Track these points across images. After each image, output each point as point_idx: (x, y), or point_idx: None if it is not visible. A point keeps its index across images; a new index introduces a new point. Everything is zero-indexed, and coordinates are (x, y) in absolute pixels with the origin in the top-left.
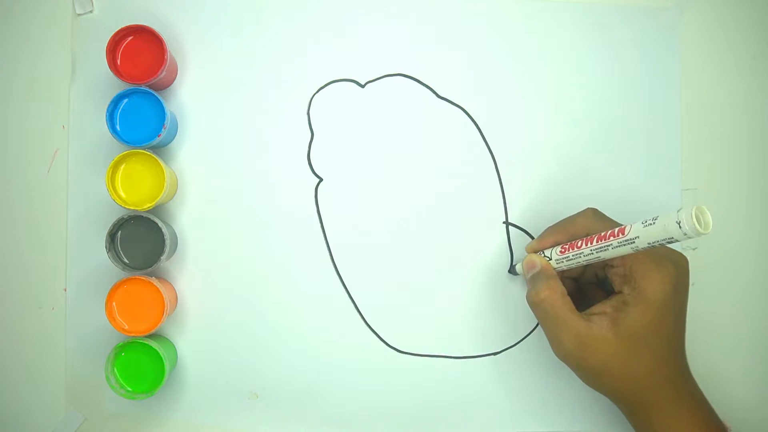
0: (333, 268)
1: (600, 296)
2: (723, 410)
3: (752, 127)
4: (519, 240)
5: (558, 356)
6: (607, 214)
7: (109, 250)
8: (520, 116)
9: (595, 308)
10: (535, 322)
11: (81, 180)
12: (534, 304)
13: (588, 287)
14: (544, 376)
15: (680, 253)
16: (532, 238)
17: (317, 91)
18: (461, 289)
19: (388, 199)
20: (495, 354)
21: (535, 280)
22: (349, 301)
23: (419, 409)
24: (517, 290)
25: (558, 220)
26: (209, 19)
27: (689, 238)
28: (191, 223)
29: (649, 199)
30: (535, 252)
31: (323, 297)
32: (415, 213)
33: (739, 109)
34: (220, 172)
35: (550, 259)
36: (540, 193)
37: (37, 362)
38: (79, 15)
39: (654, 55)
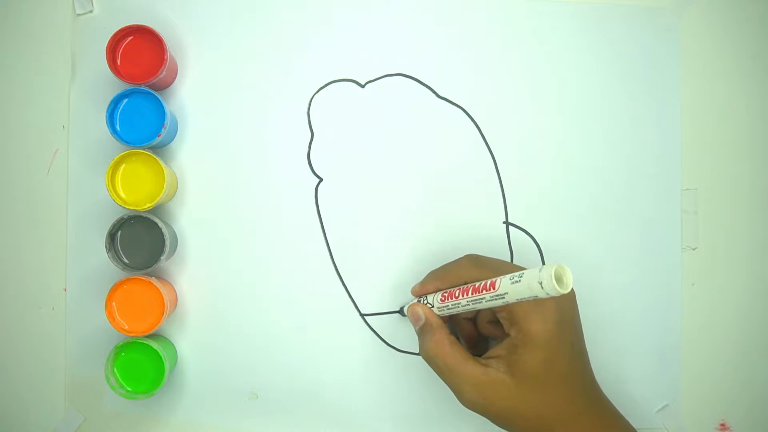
0: (333, 268)
1: (500, 333)
2: (721, 408)
3: (752, 126)
4: (519, 240)
5: (464, 406)
6: (607, 214)
7: (109, 250)
8: (520, 116)
9: (491, 352)
10: None
11: (81, 180)
12: (427, 359)
13: (486, 326)
14: None
15: None
16: (532, 238)
17: (317, 91)
18: None
19: (388, 199)
20: None
21: (422, 334)
22: (349, 301)
23: (419, 409)
24: None
25: (441, 265)
26: (209, 19)
27: (549, 296)
28: (191, 223)
29: (649, 199)
30: (419, 296)
31: (323, 297)
32: (415, 213)
33: (738, 108)
34: (220, 172)
35: (433, 306)
36: (540, 193)
37: (37, 362)
38: (79, 15)
39: (654, 55)
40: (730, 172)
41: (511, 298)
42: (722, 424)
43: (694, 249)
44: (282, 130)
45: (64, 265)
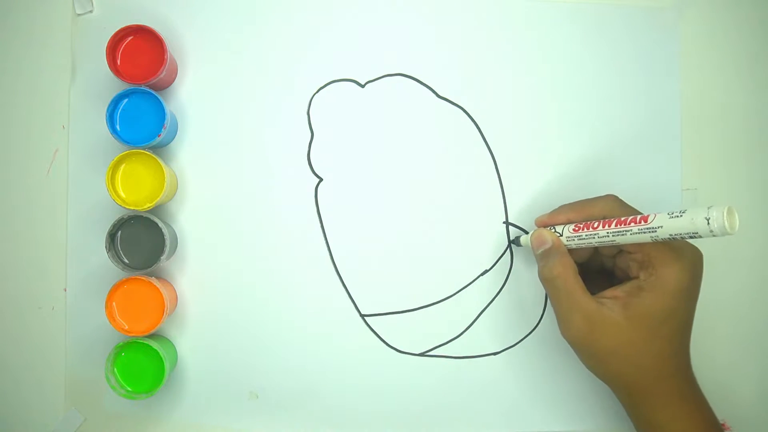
0: (333, 268)
1: (603, 286)
2: (721, 408)
3: (752, 126)
4: None
5: (565, 336)
6: None
7: (109, 250)
8: (519, 116)
9: (607, 292)
10: (535, 322)
11: (81, 180)
12: (547, 280)
13: (591, 276)
14: (544, 376)
15: (697, 248)
16: None
17: (317, 91)
18: (461, 290)
19: (388, 199)
20: (495, 354)
21: (547, 255)
22: (349, 301)
23: (419, 409)
24: (518, 290)
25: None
26: (209, 19)
27: (713, 236)
28: (191, 223)
29: (649, 199)
30: (545, 226)
31: (323, 297)
32: (415, 213)
33: (738, 108)
34: (220, 172)
35: (561, 235)
36: (540, 193)
37: (37, 362)
38: (79, 15)
39: (654, 55)
40: (730, 172)
41: (663, 233)
42: (722, 425)
43: None
44: (282, 130)
45: (64, 265)
